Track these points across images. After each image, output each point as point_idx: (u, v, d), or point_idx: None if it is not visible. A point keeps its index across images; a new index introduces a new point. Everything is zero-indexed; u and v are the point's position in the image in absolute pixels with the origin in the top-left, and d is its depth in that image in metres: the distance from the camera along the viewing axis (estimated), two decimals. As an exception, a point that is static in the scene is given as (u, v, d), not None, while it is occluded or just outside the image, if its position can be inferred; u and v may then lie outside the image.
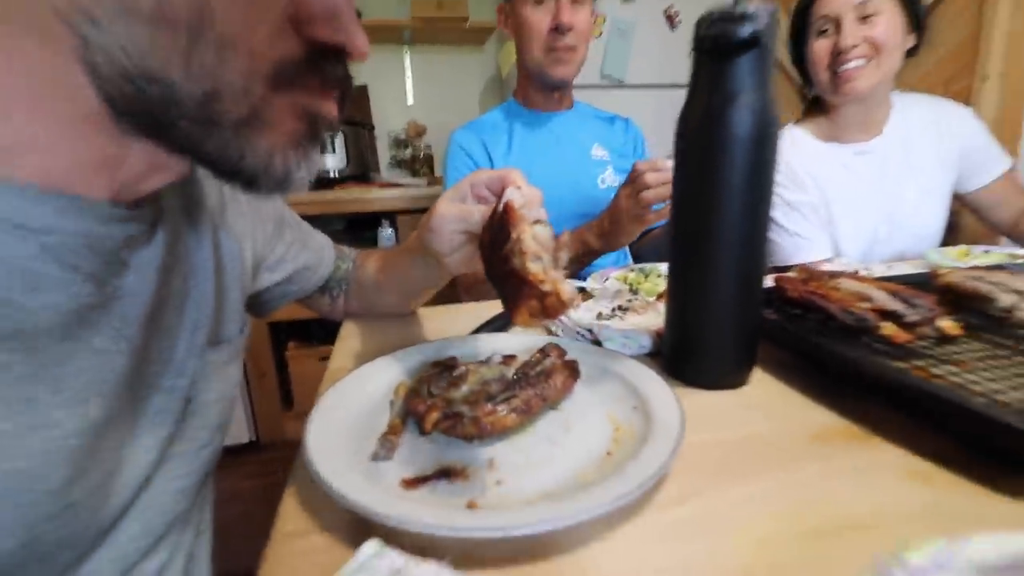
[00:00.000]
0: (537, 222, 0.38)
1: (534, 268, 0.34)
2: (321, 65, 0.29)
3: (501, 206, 0.39)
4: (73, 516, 0.30)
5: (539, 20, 0.93)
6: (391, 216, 1.89)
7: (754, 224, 0.41)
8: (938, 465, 0.34)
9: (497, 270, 0.37)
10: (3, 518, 0.27)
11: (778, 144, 0.40)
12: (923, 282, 0.59)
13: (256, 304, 0.59)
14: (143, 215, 0.34)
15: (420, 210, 1.86)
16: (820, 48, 0.94)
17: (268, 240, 0.55)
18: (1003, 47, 1.20)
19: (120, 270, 0.33)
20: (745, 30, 0.36)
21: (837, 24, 0.91)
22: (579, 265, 0.91)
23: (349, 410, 0.40)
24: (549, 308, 0.34)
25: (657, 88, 1.87)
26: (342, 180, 1.94)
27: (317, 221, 0.65)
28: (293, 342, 1.94)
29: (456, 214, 0.46)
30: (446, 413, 0.36)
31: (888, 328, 0.44)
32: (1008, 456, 0.33)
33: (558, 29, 0.92)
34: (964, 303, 0.52)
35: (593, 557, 0.28)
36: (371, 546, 0.26)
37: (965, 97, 1.26)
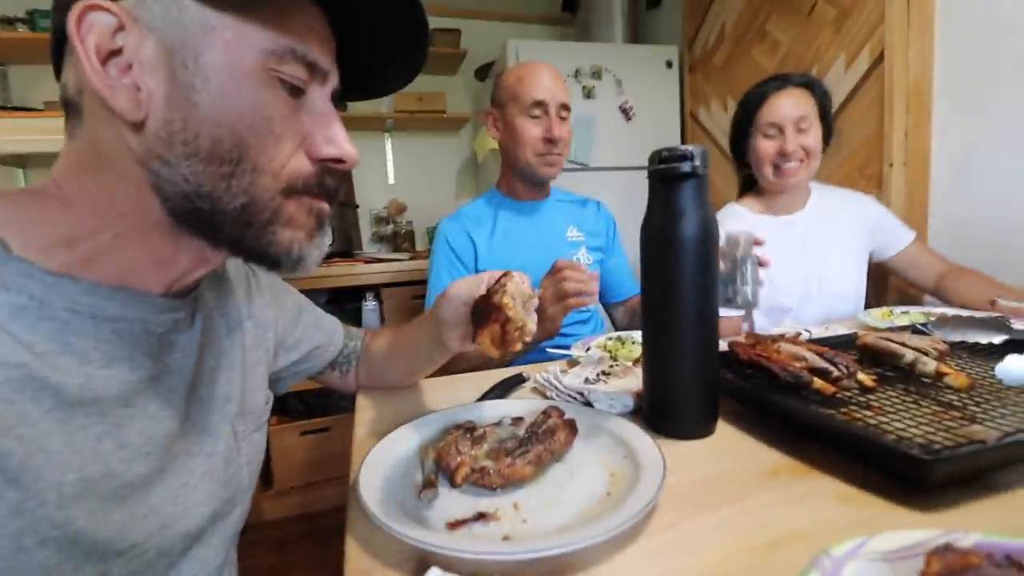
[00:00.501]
0: (524, 283, 0.49)
1: (507, 300, 0.44)
2: (323, 178, 0.41)
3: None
4: (139, 553, 0.37)
5: (533, 132, 1.09)
6: (375, 289, 1.98)
7: (706, 303, 0.52)
8: (861, 489, 0.44)
9: (478, 307, 0.46)
10: (73, 552, 0.33)
11: (718, 225, 0.53)
12: (848, 342, 0.72)
13: (275, 381, 0.66)
14: (186, 304, 0.44)
15: (403, 283, 1.96)
16: (767, 148, 1.16)
17: (288, 326, 0.64)
18: (902, 139, 1.44)
19: (168, 350, 0.43)
20: (686, 165, 0.49)
21: (780, 130, 1.14)
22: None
23: (386, 471, 0.47)
24: (508, 334, 0.43)
25: (616, 170, 2.08)
26: (327, 256, 2.02)
27: (303, 294, 0.71)
28: (274, 417, 1.93)
29: (467, 287, 0.55)
30: (473, 468, 0.44)
31: (818, 383, 0.55)
32: (911, 480, 0.43)
33: (551, 141, 1.08)
34: (879, 359, 0.65)
35: (602, 574, 0.36)
36: (434, 572, 0.33)
37: (877, 180, 1.48)
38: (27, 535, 0.31)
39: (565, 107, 1.11)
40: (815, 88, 1.16)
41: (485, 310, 0.46)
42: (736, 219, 1.24)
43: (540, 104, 1.08)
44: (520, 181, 1.18)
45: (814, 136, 1.14)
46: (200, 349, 0.46)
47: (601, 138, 2.09)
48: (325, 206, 0.42)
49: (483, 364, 0.93)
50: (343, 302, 2.05)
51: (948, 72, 1.31)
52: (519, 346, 0.43)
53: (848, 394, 0.56)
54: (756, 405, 0.58)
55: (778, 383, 0.57)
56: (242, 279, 0.58)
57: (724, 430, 0.56)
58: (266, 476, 1.90)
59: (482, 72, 2.41)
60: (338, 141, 0.40)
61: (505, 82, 1.13)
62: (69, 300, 0.35)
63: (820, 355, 0.58)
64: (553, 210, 1.23)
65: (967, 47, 1.26)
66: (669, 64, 2.21)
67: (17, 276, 0.33)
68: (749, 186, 1.31)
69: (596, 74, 2.07)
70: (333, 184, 0.41)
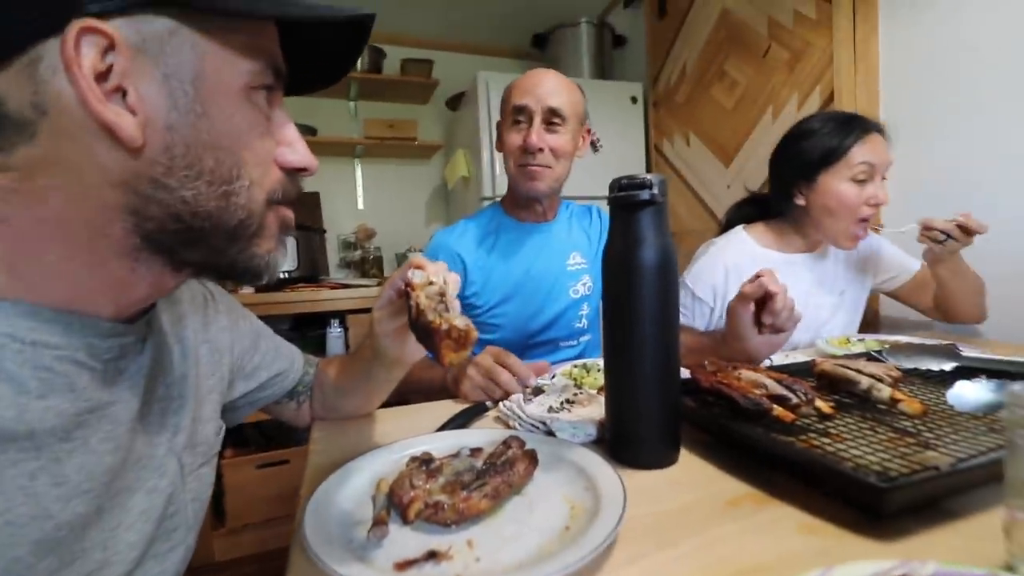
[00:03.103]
0: (429, 283, 0.48)
1: (432, 317, 0.44)
2: (288, 185, 0.42)
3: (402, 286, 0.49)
4: None
5: (513, 140, 1.01)
6: (341, 316, 1.93)
7: (666, 330, 0.52)
8: (821, 519, 0.43)
9: (420, 335, 0.45)
10: None
11: (677, 269, 0.53)
12: (806, 370, 0.73)
13: (228, 411, 0.63)
14: (137, 329, 0.42)
15: (369, 309, 1.92)
16: (857, 195, 1.00)
17: (245, 351, 0.61)
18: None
19: (115, 377, 0.40)
20: (645, 193, 0.49)
21: (872, 177, 1.00)
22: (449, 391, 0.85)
23: (336, 506, 0.44)
24: (459, 341, 0.42)
25: (583, 199, 2.12)
26: (292, 281, 1.98)
27: (266, 320, 0.69)
28: (230, 449, 1.84)
29: (384, 314, 0.57)
30: (427, 503, 0.42)
31: (778, 410, 0.55)
32: (870, 508, 0.42)
33: (527, 149, 0.99)
34: (836, 386, 0.66)
35: (560, 615, 0.34)
36: (377, 619, 0.31)
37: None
38: None
39: (556, 112, 0.99)
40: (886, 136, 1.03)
41: (421, 333, 0.45)
42: (739, 248, 1.13)
43: (521, 110, 0.99)
44: (514, 199, 1.10)
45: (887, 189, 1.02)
46: (149, 376, 0.43)
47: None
48: (290, 214, 0.43)
49: (435, 385, 0.88)
50: (307, 328, 1.99)
51: (892, 108, 1.39)
52: (474, 335, 0.43)
53: (807, 421, 0.56)
54: (717, 433, 0.58)
55: (739, 410, 0.57)
56: (199, 302, 0.55)
57: (686, 459, 0.55)
58: (218, 512, 1.80)
59: (453, 102, 2.45)
60: (298, 148, 0.42)
61: (504, 91, 1.06)
62: (6, 324, 0.32)
63: (779, 382, 0.59)
64: (556, 234, 1.13)
65: (909, 85, 1.35)
66: (634, 99, 2.29)
67: None
68: (758, 216, 1.20)
69: (565, 107, 2.12)
70: (295, 190, 0.43)
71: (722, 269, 1.10)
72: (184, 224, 0.36)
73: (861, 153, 0.98)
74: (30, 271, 0.34)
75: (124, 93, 0.33)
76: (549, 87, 0.99)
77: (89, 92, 0.31)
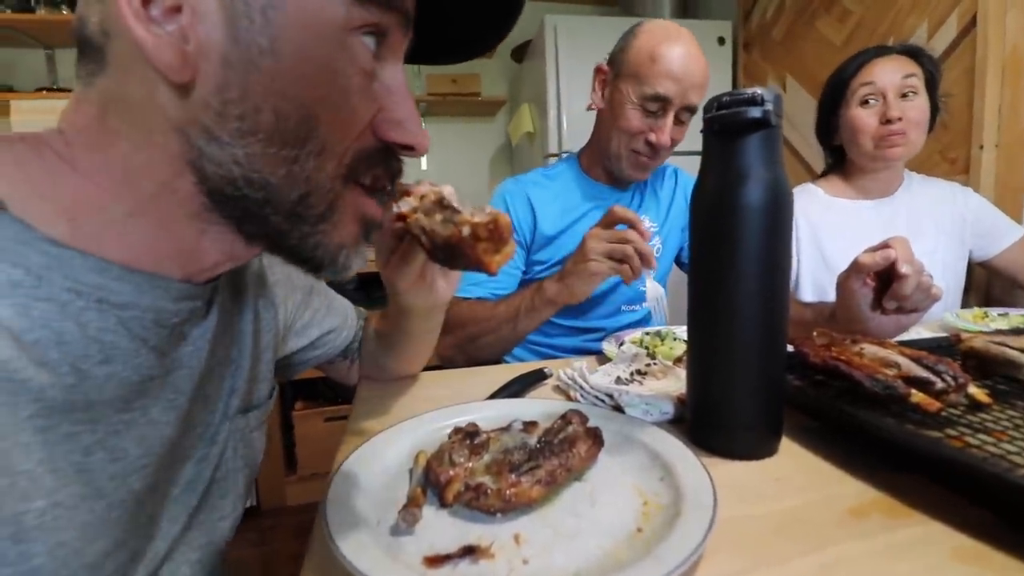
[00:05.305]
0: (422, 197, 0.39)
1: (446, 230, 0.36)
2: (388, 161, 0.34)
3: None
4: None
5: (637, 124, 0.88)
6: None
7: (772, 290, 0.41)
8: (985, 543, 0.32)
9: (447, 259, 0.38)
10: None
11: (792, 213, 0.41)
12: (945, 347, 0.59)
13: (280, 368, 0.59)
14: (206, 291, 0.36)
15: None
16: (865, 117, 0.99)
17: (298, 306, 0.57)
18: (995, 117, 1.25)
19: (181, 343, 0.35)
20: (755, 111, 0.38)
21: (882, 97, 0.98)
22: (531, 321, 0.85)
23: (369, 478, 0.39)
24: (493, 236, 0.34)
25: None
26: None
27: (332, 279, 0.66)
28: (300, 402, 1.92)
29: (392, 271, 0.50)
30: (468, 484, 0.35)
31: (918, 396, 0.43)
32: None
33: (652, 146, 0.89)
34: (988, 369, 0.52)
35: (629, 646, 0.26)
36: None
37: (964, 165, 1.29)
38: None
39: (690, 109, 0.88)
40: (922, 57, 0.99)
41: (446, 256, 0.37)
42: (809, 200, 1.09)
43: (660, 100, 0.85)
44: (601, 164, 0.99)
45: (920, 106, 0.97)
46: (213, 340, 0.39)
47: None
48: (375, 208, 0.36)
49: (512, 315, 0.82)
50: (372, 289, 2.00)
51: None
52: (505, 219, 0.35)
53: (955, 411, 0.44)
54: (832, 420, 0.47)
55: (861, 394, 0.45)
56: None
57: (788, 449, 0.45)
58: (290, 461, 1.90)
59: (519, 53, 2.30)
60: (410, 125, 0.33)
61: (633, 48, 0.88)
62: (72, 279, 0.28)
63: (917, 361, 0.46)
64: (627, 196, 1.04)
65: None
66: (722, 41, 2.04)
67: (14, 244, 0.27)
68: (830, 168, 1.16)
69: (641, 52, 1.93)
70: (397, 168, 0.36)
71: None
72: (240, 192, 0.29)
73: (861, 76, 1.00)
74: (94, 223, 0.29)
75: (178, 9, 0.26)
76: (696, 78, 0.86)
77: (125, 4, 0.25)
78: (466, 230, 0.34)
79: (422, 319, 0.58)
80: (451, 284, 0.54)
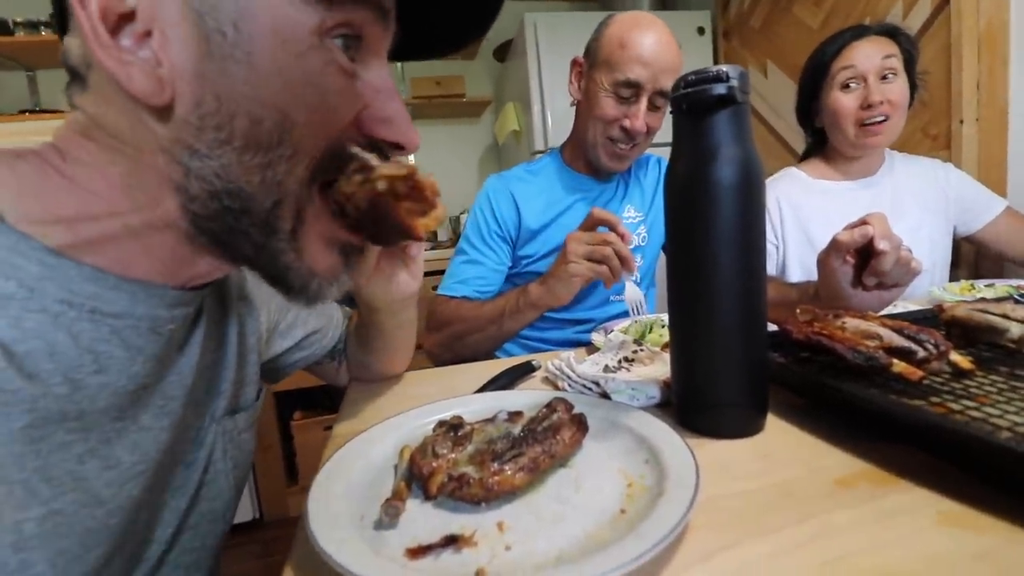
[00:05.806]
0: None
1: (359, 191, 0.32)
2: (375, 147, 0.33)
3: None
4: None
5: (611, 111, 0.89)
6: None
7: (748, 267, 0.41)
8: (970, 506, 0.32)
9: (375, 233, 0.35)
10: None
11: (764, 189, 0.41)
12: (929, 317, 0.59)
13: (269, 371, 0.59)
14: (198, 297, 0.37)
15: (427, 274, 1.89)
16: (847, 101, 0.98)
17: (281, 308, 0.56)
18: (974, 92, 1.25)
19: (174, 349, 0.35)
20: (720, 87, 0.38)
21: (862, 80, 0.97)
22: (515, 322, 0.85)
23: (353, 476, 0.38)
24: (414, 194, 0.32)
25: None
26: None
27: None
28: (299, 411, 1.91)
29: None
30: (451, 475, 0.35)
31: (899, 366, 0.43)
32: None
33: (628, 131, 0.89)
34: (972, 336, 0.52)
35: (612, 626, 0.26)
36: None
37: (945, 140, 1.30)
38: None
39: (663, 94, 0.87)
40: (899, 36, 0.99)
41: (373, 229, 0.35)
42: (790, 183, 1.09)
43: (631, 86, 0.86)
44: (583, 156, 0.99)
45: (900, 88, 0.97)
46: (203, 344, 0.39)
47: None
48: (352, 238, 0.35)
49: (499, 314, 0.82)
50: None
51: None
52: (425, 178, 0.34)
53: (939, 379, 0.44)
54: (816, 395, 0.47)
55: (845, 367, 0.45)
56: None
57: (775, 426, 0.45)
58: (291, 472, 1.89)
59: (501, 52, 2.31)
60: (398, 122, 0.33)
61: (605, 37, 0.89)
62: (67, 289, 0.28)
63: (899, 332, 0.46)
64: (611, 187, 1.04)
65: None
66: (701, 31, 2.05)
67: (9, 254, 0.27)
68: (811, 151, 1.16)
69: (621, 45, 1.93)
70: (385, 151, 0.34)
71: (773, 201, 1.07)
72: (220, 204, 0.29)
73: (841, 60, 0.99)
74: (91, 231, 0.30)
75: (148, 34, 0.26)
76: (667, 62, 0.85)
77: (91, 37, 0.25)
78: (381, 184, 0.32)
79: (388, 314, 0.57)
80: (414, 277, 0.54)
